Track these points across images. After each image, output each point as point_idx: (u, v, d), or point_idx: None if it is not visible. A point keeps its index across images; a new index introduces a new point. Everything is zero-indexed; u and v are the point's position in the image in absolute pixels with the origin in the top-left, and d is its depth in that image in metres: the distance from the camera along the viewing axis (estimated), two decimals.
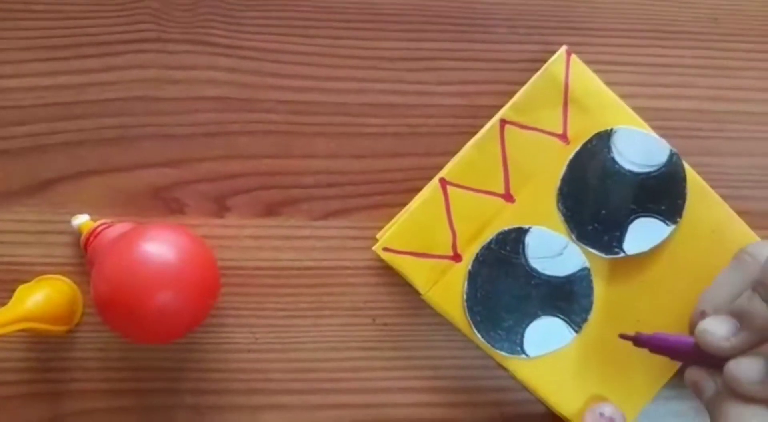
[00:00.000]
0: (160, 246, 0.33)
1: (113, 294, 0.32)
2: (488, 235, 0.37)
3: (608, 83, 0.38)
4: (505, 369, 0.38)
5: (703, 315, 0.33)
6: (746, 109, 0.40)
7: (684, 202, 0.38)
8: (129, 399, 0.39)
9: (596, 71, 0.38)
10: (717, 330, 0.30)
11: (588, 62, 0.38)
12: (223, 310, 0.39)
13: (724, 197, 0.39)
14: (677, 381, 0.39)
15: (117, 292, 0.32)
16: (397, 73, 0.39)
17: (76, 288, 0.38)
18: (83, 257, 0.38)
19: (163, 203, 0.39)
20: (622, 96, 0.38)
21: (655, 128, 0.38)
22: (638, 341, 0.34)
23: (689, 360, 0.33)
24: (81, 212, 0.38)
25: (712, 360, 0.31)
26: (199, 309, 0.34)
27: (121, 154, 0.39)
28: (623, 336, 0.35)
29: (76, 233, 0.38)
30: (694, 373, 0.32)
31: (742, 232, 0.39)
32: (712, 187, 0.39)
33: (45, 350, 0.38)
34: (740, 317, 0.30)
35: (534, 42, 0.40)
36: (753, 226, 0.39)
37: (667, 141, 0.38)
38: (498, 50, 0.40)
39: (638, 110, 0.39)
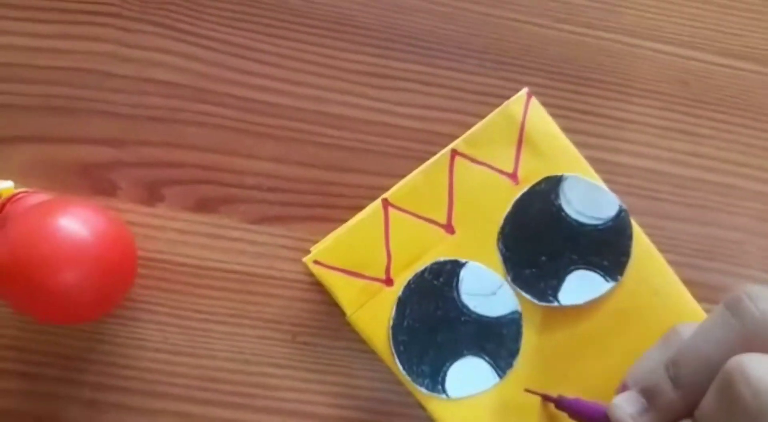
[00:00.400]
0: (75, 221, 0.31)
1: (14, 263, 0.30)
2: (423, 263, 0.36)
3: (570, 130, 0.38)
4: (423, 407, 0.36)
5: (624, 388, 0.32)
6: (706, 177, 0.40)
7: (627, 260, 0.37)
8: (19, 382, 0.36)
9: (559, 116, 0.38)
10: (626, 407, 0.29)
11: (552, 106, 0.38)
12: (136, 303, 0.37)
13: (673, 263, 0.38)
14: None
15: (18, 261, 0.30)
16: (359, 87, 0.38)
17: None
18: None
19: (93, 182, 0.37)
20: (583, 145, 0.38)
21: (611, 182, 0.38)
22: (559, 404, 0.34)
23: None
24: (6, 178, 0.36)
25: None
26: (106, 295, 0.32)
27: (61, 125, 0.37)
28: (545, 398, 0.35)
29: None
30: None
31: (684, 301, 0.37)
32: (662, 250, 0.38)
33: None
34: (648, 396, 0.29)
35: (500, 78, 0.39)
36: (698, 298, 0.38)
37: (623, 198, 0.37)
38: (463, 80, 0.39)
39: (597, 161, 0.38)
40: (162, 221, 0.37)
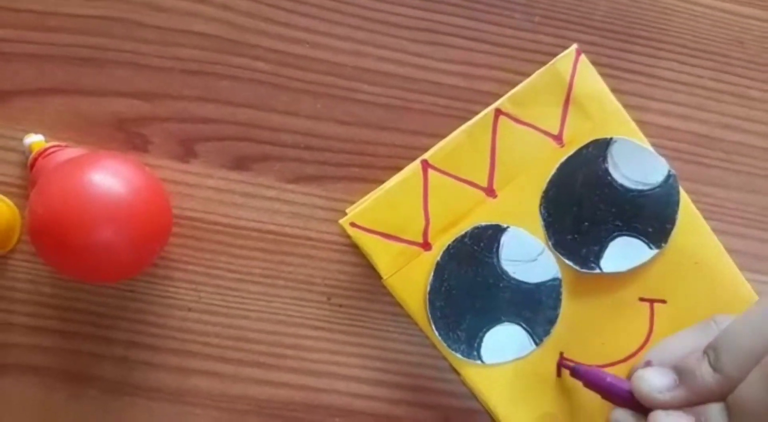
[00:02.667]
0: (111, 177, 0.30)
1: (48, 220, 0.29)
2: (463, 228, 0.35)
3: (618, 91, 0.36)
4: (456, 372, 0.35)
5: (647, 364, 0.32)
6: (758, 143, 0.38)
7: (672, 228, 0.35)
8: (54, 339, 0.36)
9: (608, 76, 0.36)
10: (655, 381, 0.29)
11: (600, 65, 0.36)
12: (170, 262, 0.36)
13: (718, 231, 0.37)
14: None
15: (52, 217, 0.29)
16: (399, 42, 0.37)
17: (17, 211, 0.35)
18: (28, 181, 0.35)
19: (126, 136, 0.36)
20: (630, 106, 0.36)
21: (658, 146, 0.36)
22: (575, 372, 0.33)
23: (620, 403, 0.31)
24: (36, 131, 0.35)
25: (641, 410, 0.30)
26: (141, 253, 0.31)
27: (91, 77, 0.36)
28: (562, 363, 0.35)
29: (27, 153, 0.35)
30: (620, 415, 0.31)
31: (728, 271, 0.36)
32: (707, 218, 0.37)
33: None
34: (682, 374, 0.29)
35: (547, 34, 0.37)
36: (742, 267, 0.37)
37: (669, 162, 0.35)
38: (509, 36, 0.37)
39: (644, 124, 0.36)
40: (196, 178, 0.36)
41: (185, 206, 0.36)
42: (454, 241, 0.35)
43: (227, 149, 0.36)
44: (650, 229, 0.35)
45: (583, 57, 0.36)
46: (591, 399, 0.35)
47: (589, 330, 0.36)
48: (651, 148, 0.36)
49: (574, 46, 0.36)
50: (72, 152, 0.33)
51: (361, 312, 0.37)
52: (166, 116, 0.36)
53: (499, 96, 0.36)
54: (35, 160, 0.33)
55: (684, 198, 0.36)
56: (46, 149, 0.33)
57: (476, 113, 0.36)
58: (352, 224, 0.34)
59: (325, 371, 0.37)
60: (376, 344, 0.37)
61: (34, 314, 0.36)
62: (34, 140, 0.34)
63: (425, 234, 0.35)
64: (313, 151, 0.37)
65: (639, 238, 0.36)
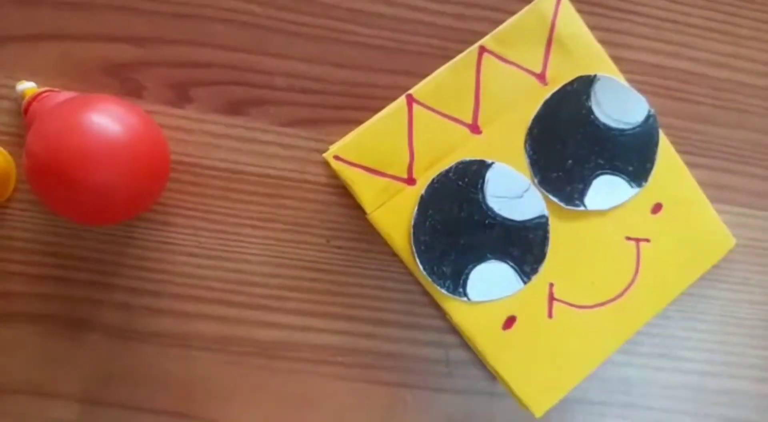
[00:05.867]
0: (108, 115, 0.30)
1: (48, 159, 0.29)
2: (448, 163, 0.35)
3: (608, 29, 0.37)
4: (442, 308, 0.36)
5: None
6: (747, 80, 0.39)
7: (652, 167, 0.36)
8: (54, 286, 0.36)
9: (596, 15, 0.36)
10: None
11: (588, 3, 0.36)
12: (169, 208, 0.36)
13: (707, 167, 0.38)
14: (628, 347, 0.38)
15: (52, 156, 0.29)
16: None
17: (10, 159, 0.35)
18: (22, 127, 0.35)
19: (118, 82, 0.36)
20: (620, 45, 0.37)
21: (647, 84, 0.37)
22: None
23: None
24: (28, 79, 0.35)
25: None
26: (140, 192, 0.31)
27: (82, 22, 0.35)
28: None
29: (19, 100, 0.35)
30: None
31: (706, 211, 0.37)
32: (697, 154, 0.38)
33: None
34: None
35: None
36: (734, 203, 0.38)
37: (658, 100, 0.36)
38: None
39: (633, 63, 0.37)
40: (192, 123, 0.36)
41: (181, 151, 0.36)
42: (438, 176, 0.35)
43: (222, 93, 0.36)
44: (631, 168, 0.36)
45: None
46: (583, 340, 0.36)
47: (577, 269, 0.36)
48: (632, 88, 0.36)
49: None
50: (67, 95, 0.33)
51: (360, 253, 0.37)
52: (159, 61, 0.36)
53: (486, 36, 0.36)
54: (29, 104, 0.33)
55: (663, 138, 0.36)
56: (40, 93, 0.33)
57: None
58: (336, 157, 0.35)
59: (327, 312, 0.37)
60: (376, 284, 0.37)
61: (34, 262, 0.36)
62: (27, 86, 0.34)
63: (410, 169, 0.35)
64: (308, 94, 0.37)
65: (621, 177, 0.36)
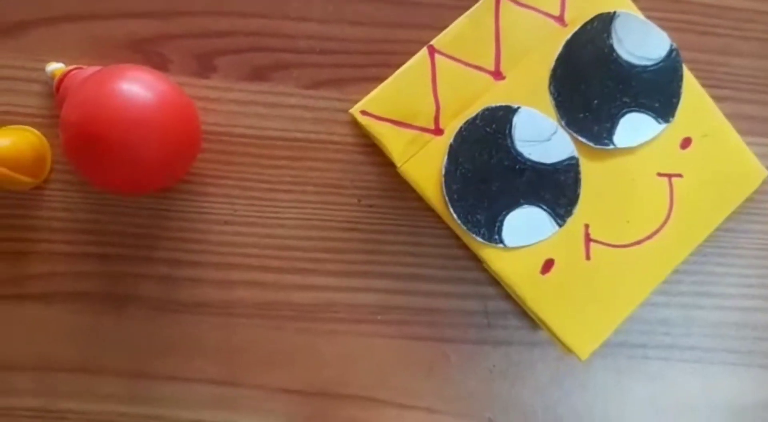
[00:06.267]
0: (138, 83, 0.31)
1: (84, 127, 0.30)
2: (474, 111, 0.35)
3: None
4: (479, 257, 0.36)
5: None
6: (764, 8, 0.39)
7: (678, 102, 0.36)
8: (96, 264, 0.37)
9: None
10: None
11: None
12: (201, 178, 0.37)
13: (733, 99, 0.38)
14: (667, 287, 0.38)
15: (88, 124, 0.29)
16: None
17: (45, 141, 0.36)
18: (55, 108, 0.36)
19: (144, 56, 0.36)
20: None
21: (667, 20, 0.37)
22: None
23: None
24: (55, 60, 0.35)
25: None
26: (175, 156, 0.32)
27: (103, 1, 0.36)
28: None
29: (49, 83, 0.35)
30: None
31: (735, 142, 0.37)
32: (721, 87, 0.37)
33: (9, 206, 0.36)
34: None
35: None
36: (759, 133, 0.38)
37: (680, 35, 0.36)
38: None
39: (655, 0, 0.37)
40: (218, 93, 0.37)
41: (210, 121, 0.37)
42: (465, 123, 0.35)
43: (245, 61, 0.37)
44: (657, 104, 0.36)
45: None
46: (622, 280, 0.36)
47: (611, 208, 0.36)
48: (652, 23, 0.36)
49: None
50: (95, 69, 0.33)
51: (392, 210, 0.38)
52: (181, 33, 0.36)
53: None
54: (60, 81, 0.33)
55: (687, 73, 0.36)
56: (69, 70, 0.34)
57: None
58: (363, 112, 0.35)
59: (362, 271, 0.37)
60: (408, 240, 0.38)
61: (74, 241, 0.37)
62: (56, 67, 0.35)
63: (436, 119, 0.35)
64: (329, 55, 0.37)
65: (647, 113, 0.36)
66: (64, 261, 0.37)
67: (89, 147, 0.29)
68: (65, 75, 0.33)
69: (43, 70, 0.35)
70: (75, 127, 0.30)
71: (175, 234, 0.37)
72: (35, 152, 0.35)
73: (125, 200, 0.37)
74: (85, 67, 0.35)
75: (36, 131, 0.36)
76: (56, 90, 0.34)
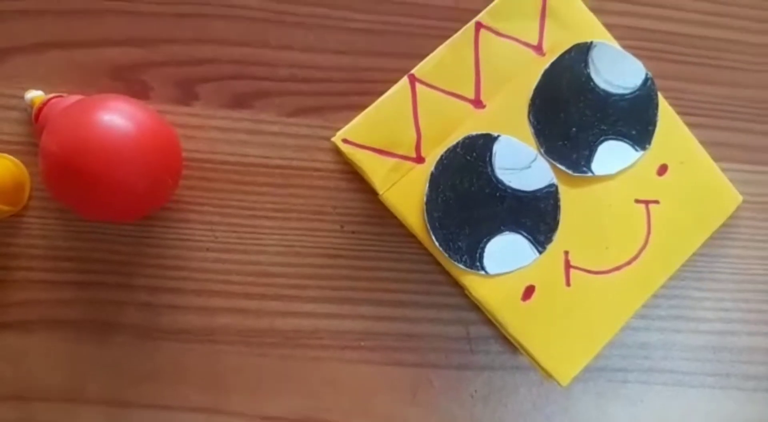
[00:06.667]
0: (118, 113, 0.31)
1: (64, 156, 0.29)
2: (455, 139, 0.36)
3: None
4: (460, 283, 0.36)
5: None
6: (737, 37, 0.40)
7: (654, 129, 0.37)
8: (76, 291, 0.36)
9: None
10: None
11: None
12: (183, 204, 0.37)
13: (706, 126, 0.39)
14: (646, 311, 0.39)
15: (68, 153, 0.29)
16: None
17: (24, 169, 0.36)
18: (34, 135, 0.35)
19: (125, 84, 0.36)
20: (609, 12, 0.37)
21: (638, 49, 0.38)
22: None
23: None
24: (35, 87, 0.35)
25: None
26: (156, 184, 0.32)
27: (84, 28, 0.36)
28: None
29: (28, 110, 0.35)
30: None
31: (710, 168, 0.38)
32: (692, 114, 0.38)
33: None
34: None
35: None
36: (732, 159, 0.38)
37: (651, 63, 0.37)
38: None
39: (623, 28, 0.38)
40: (199, 120, 0.37)
41: (192, 148, 0.36)
42: (446, 152, 0.35)
43: (227, 88, 0.37)
44: (633, 132, 0.37)
45: None
46: (601, 306, 0.36)
47: (591, 235, 0.37)
48: (627, 53, 0.37)
49: None
50: (75, 98, 0.33)
51: (374, 236, 0.38)
52: (163, 60, 0.36)
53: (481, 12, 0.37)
54: (39, 110, 0.33)
55: (662, 100, 0.37)
56: (49, 99, 0.34)
57: None
58: (345, 140, 0.35)
59: (345, 297, 0.38)
60: (391, 266, 0.38)
61: (53, 269, 0.36)
62: (35, 95, 0.35)
63: (417, 147, 0.36)
64: (311, 83, 0.37)
65: (624, 141, 0.37)
66: (44, 288, 0.36)
67: (69, 176, 0.29)
68: (45, 103, 0.33)
69: (22, 97, 0.35)
70: (55, 157, 0.29)
71: (156, 261, 0.37)
72: (14, 180, 0.35)
73: (105, 227, 0.36)
74: (65, 94, 0.34)
75: (14, 159, 0.35)
76: (35, 118, 0.34)
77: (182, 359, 0.37)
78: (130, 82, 0.36)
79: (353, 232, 0.38)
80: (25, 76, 0.36)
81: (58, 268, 0.36)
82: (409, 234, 0.37)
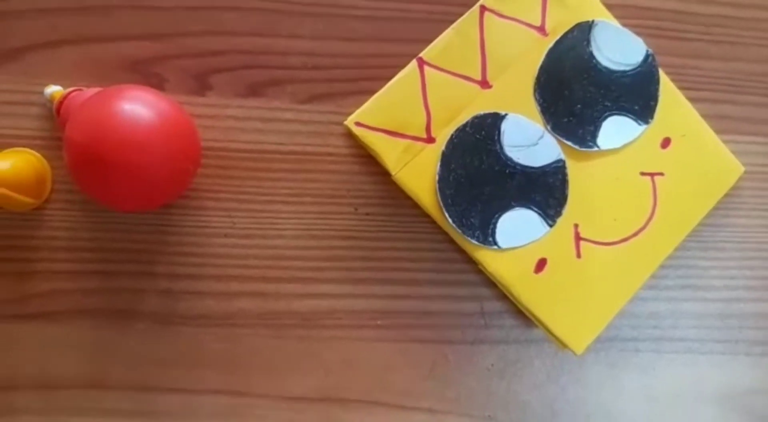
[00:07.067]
0: (139, 102, 0.31)
1: (89, 146, 0.30)
2: (464, 118, 0.37)
3: None
4: (475, 259, 0.37)
5: None
6: (733, 13, 0.41)
7: (656, 104, 0.38)
8: (98, 280, 0.37)
9: None
10: None
11: None
12: (200, 192, 0.38)
13: (707, 100, 0.40)
14: (654, 282, 0.40)
15: (93, 143, 0.30)
16: None
17: (45, 163, 0.37)
18: (54, 130, 0.36)
19: (141, 77, 0.37)
20: None
21: (641, 27, 0.39)
22: None
23: None
24: (53, 83, 0.36)
25: None
26: (177, 173, 0.33)
27: (100, 24, 0.37)
28: None
29: (48, 105, 0.36)
30: None
31: (711, 141, 0.39)
32: (695, 89, 0.39)
33: (11, 227, 0.37)
34: None
35: None
36: (727, 131, 0.40)
37: (653, 41, 0.38)
38: None
39: (625, 7, 0.39)
40: (214, 110, 0.38)
41: (208, 137, 0.37)
42: (456, 131, 0.37)
43: (240, 78, 0.38)
44: (636, 107, 0.38)
45: None
46: (611, 276, 0.37)
47: (599, 207, 0.38)
48: (628, 31, 0.38)
49: None
50: (95, 90, 0.34)
51: (388, 217, 0.39)
52: (177, 53, 0.37)
53: None
54: (60, 104, 0.34)
55: (663, 76, 0.38)
56: (69, 93, 0.34)
57: None
58: (357, 123, 0.36)
59: (361, 277, 0.39)
60: (405, 246, 0.39)
61: (75, 259, 0.37)
62: (54, 90, 0.35)
63: (428, 128, 0.37)
64: (322, 70, 0.38)
65: (628, 116, 0.38)
66: (66, 279, 0.37)
67: (94, 167, 0.30)
68: (65, 97, 0.34)
69: (41, 93, 0.36)
70: (80, 147, 0.30)
71: (175, 249, 0.38)
72: (36, 173, 0.36)
73: (124, 217, 0.37)
74: (84, 88, 0.35)
75: (36, 153, 0.36)
76: (56, 112, 0.35)
77: (203, 344, 0.38)
78: (145, 75, 0.37)
79: (367, 214, 0.39)
80: (43, 73, 0.37)
81: (80, 258, 0.37)
82: (422, 214, 0.38)
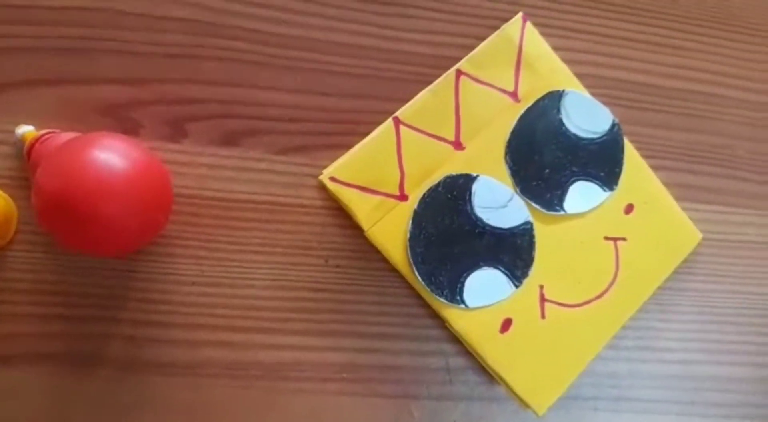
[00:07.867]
0: (113, 152, 0.31)
1: (60, 196, 0.30)
2: (436, 178, 0.37)
3: (569, 49, 0.40)
4: (442, 317, 0.38)
5: None
6: (693, 87, 0.43)
7: (621, 171, 0.40)
8: (60, 325, 0.36)
9: (558, 36, 0.40)
10: None
11: (551, 27, 0.40)
12: (170, 239, 0.37)
13: (667, 169, 0.42)
14: (614, 342, 0.41)
15: (65, 193, 0.30)
16: (367, 16, 0.39)
17: (11, 203, 0.36)
18: (22, 170, 0.36)
19: (116, 121, 0.37)
20: (579, 62, 0.40)
21: (606, 96, 0.40)
22: None
23: None
24: (26, 123, 0.36)
25: None
26: (148, 222, 0.32)
27: (77, 66, 0.37)
28: None
29: (18, 145, 0.36)
30: None
31: (672, 209, 0.41)
32: (656, 157, 0.41)
33: None
34: None
35: (500, 1, 0.41)
36: (686, 199, 0.41)
37: (617, 110, 0.40)
38: (465, 4, 0.40)
39: (593, 77, 0.41)
40: (188, 157, 0.38)
41: (180, 184, 0.37)
42: (428, 191, 0.37)
43: (216, 127, 0.38)
44: (602, 174, 0.39)
45: (528, 23, 0.39)
46: (574, 338, 0.38)
47: (564, 270, 0.39)
48: (596, 100, 0.39)
49: (520, 14, 0.40)
50: (68, 135, 0.34)
51: (358, 271, 0.39)
52: (154, 99, 0.37)
53: (461, 60, 0.39)
54: (32, 146, 0.34)
55: (627, 144, 0.40)
56: (42, 135, 0.34)
57: None
58: (332, 178, 0.37)
59: (328, 330, 0.39)
60: (373, 299, 0.39)
61: (39, 302, 0.36)
62: (26, 130, 0.35)
63: (401, 186, 0.37)
64: (298, 123, 0.39)
65: (594, 182, 0.39)
66: (28, 322, 0.36)
67: (64, 214, 0.30)
68: (36, 140, 0.34)
69: (11, 131, 0.35)
70: (51, 195, 0.30)
71: (142, 295, 0.37)
72: (1, 214, 0.35)
73: (91, 261, 0.37)
74: (58, 131, 0.35)
75: (2, 193, 0.36)
76: (27, 154, 0.34)
77: (167, 392, 0.37)
78: (121, 120, 0.37)
79: (338, 266, 0.39)
80: (17, 111, 0.36)
81: (44, 302, 0.36)
82: (391, 269, 0.38)
